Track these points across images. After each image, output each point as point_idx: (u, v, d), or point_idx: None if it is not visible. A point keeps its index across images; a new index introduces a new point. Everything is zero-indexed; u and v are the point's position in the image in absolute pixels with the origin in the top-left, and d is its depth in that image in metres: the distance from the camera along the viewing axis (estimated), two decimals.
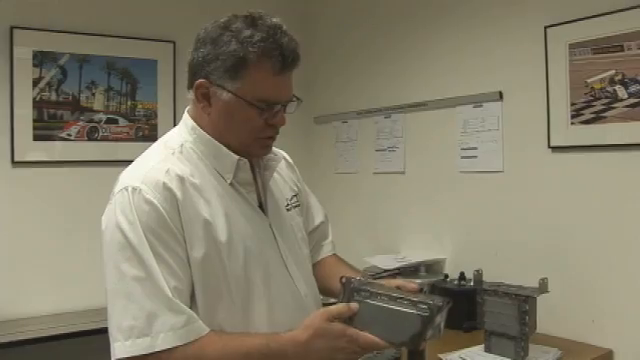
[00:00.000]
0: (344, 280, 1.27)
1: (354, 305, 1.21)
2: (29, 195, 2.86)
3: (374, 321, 1.18)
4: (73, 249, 2.87)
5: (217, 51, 1.24)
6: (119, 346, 1.15)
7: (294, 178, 1.58)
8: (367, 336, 1.16)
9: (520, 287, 2.05)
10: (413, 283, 1.33)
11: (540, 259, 2.34)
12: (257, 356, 1.18)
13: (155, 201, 1.19)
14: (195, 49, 1.29)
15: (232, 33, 1.24)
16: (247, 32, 1.23)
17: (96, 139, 3.03)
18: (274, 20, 1.27)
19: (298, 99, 1.34)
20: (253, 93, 1.25)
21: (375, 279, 1.36)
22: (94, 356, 1.67)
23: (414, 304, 1.18)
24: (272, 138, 1.34)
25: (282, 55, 1.24)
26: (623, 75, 2.12)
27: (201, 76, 1.27)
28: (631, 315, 2.11)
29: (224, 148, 1.31)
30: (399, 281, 1.34)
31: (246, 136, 1.30)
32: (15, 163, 2.82)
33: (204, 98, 1.29)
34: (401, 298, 1.20)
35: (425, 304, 1.18)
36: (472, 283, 2.34)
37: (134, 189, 1.20)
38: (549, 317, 2.15)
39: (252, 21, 1.25)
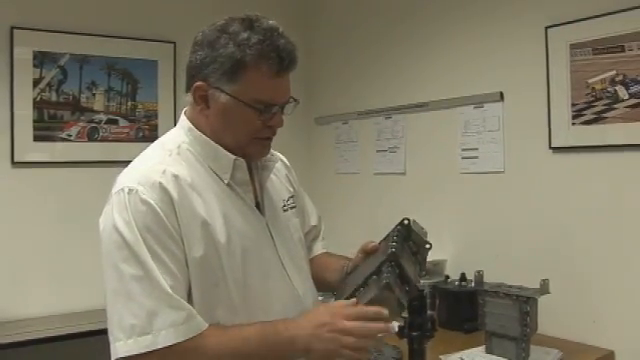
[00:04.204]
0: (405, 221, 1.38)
1: (352, 301, 1.25)
2: (29, 196, 2.86)
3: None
4: (73, 250, 2.87)
5: (214, 54, 1.25)
6: (121, 345, 1.15)
7: (291, 179, 1.59)
8: (352, 306, 1.22)
9: (521, 288, 2.05)
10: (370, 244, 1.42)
11: (541, 260, 2.34)
12: (254, 338, 1.20)
13: (151, 201, 1.20)
14: (193, 52, 1.30)
15: (229, 36, 1.25)
16: (244, 35, 1.24)
17: (96, 140, 3.03)
18: (270, 22, 1.28)
19: (295, 100, 1.35)
20: (251, 95, 1.26)
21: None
22: (94, 357, 1.67)
23: (382, 280, 1.23)
24: (269, 139, 1.36)
25: (279, 57, 1.25)
26: (624, 76, 2.12)
27: (199, 79, 1.28)
28: (632, 316, 2.10)
29: (221, 148, 1.31)
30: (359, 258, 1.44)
31: (244, 137, 1.31)
32: (15, 164, 2.82)
33: (202, 100, 1.30)
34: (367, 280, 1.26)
35: (381, 273, 1.23)
36: (473, 284, 2.34)
37: (130, 190, 1.21)
38: (550, 318, 2.15)
39: (249, 23, 1.26)
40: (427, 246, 1.38)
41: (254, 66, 1.24)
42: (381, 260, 1.26)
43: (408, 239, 1.38)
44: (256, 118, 1.28)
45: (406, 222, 1.38)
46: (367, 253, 1.42)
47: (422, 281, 2.50)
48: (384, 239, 1.40)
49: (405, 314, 1.38)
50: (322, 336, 1.19)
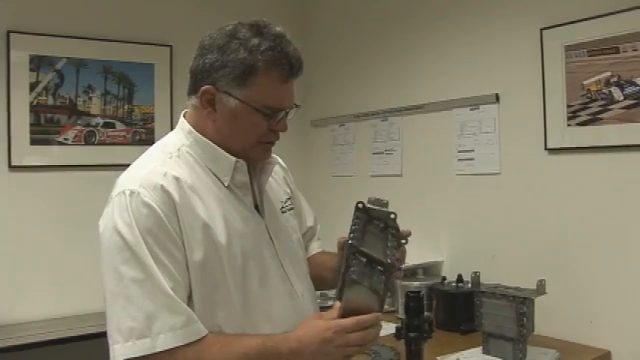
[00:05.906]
0: (361, 205, 1.37)
1: (337, 304, 1.26)
2: (27, 199, 2.85)
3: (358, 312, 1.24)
4: (71, 253, 2.87)
5: (225, 58, 1.26)
6: (119, 348, 1.15)
7: (288, 181, 1.61)
8: (350, 318, 1.22)
9: (518, 289, 2.05)
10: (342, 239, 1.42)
11: (537, 261, 2.34)
12: (254, 355, 1.20)
13: (153, 204, 1.20)
14: (200, 55, 1.31)
15: (240, 41, 1.26)
16: (255, 41, 1.26)
17: (93, 143, 3.03)
18: (278, 29, 1.30)
19: (297, 106, 1.37)
20: (260, 100, 1.28)
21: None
22: None
23: (349, 276, 1.24)
24: (273, 143, 1.38)
25: (289, 64, 1.28)
26: (619, 77, 2.13)
27: (207, 83, 1.28)
28: (629, 316, 2.11)
29: (221, 150, 1.32)
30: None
31: (250, 141, 1.32)
32: (12, 167, 2.82)
33: (209, 104, 1.30)
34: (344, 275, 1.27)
35: (352, 269, 1.24)
36: (470, 285, 2.34)
37: (132, 192, 1.21)
38: (547, 319, 2.16)
39: (257, 29, 1.28)
40: (392, 216, 1.38)
41: (265, 72, 1.26)
42: (346, 255, 1.28)
43: (371, 219, 1.38)
44: (263, 123, 1.30)
45: (360, 206, 1.38)
46: (341, 249, 1.43)
47: (419, 283, 2.53)
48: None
49: (402, 315, 1.39)
50: (328, 350, 1.22)
